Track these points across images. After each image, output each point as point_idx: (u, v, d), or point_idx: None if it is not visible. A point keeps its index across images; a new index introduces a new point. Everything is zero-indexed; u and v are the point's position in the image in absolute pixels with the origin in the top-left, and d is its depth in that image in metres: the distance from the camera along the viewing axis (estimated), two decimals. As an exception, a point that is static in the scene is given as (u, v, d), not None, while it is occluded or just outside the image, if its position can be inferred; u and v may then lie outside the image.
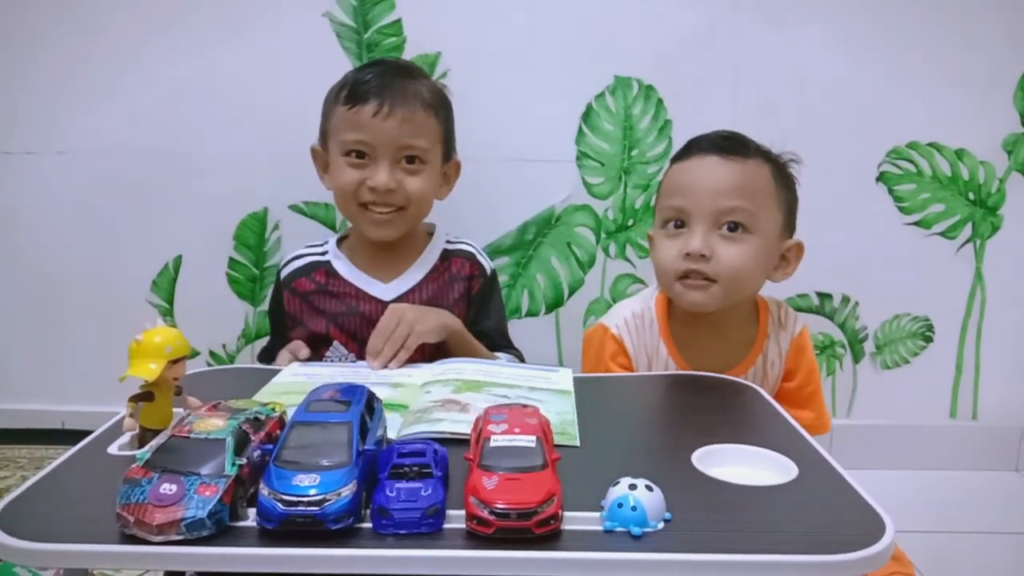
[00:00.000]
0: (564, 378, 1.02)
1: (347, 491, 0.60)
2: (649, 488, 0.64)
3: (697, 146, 1.16)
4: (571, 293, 1.69)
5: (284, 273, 1.29)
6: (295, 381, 0.99)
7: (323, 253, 1.29)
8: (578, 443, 0.80)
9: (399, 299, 1.23)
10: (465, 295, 1.30)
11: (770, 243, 1.13)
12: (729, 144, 1.14)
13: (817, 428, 1.19)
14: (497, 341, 1.29)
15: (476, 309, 1.31)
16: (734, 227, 1.10)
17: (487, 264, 1.34)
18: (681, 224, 1.13)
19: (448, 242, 1.33)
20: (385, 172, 1.18)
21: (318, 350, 1.20)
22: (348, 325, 1.23)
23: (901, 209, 1.66)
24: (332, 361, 1.16)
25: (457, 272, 1.30)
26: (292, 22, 1.59)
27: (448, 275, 1.29)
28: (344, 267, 1.26)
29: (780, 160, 1.17)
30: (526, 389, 0.96)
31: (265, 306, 1.67)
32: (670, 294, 1.17)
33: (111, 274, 1.70)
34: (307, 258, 1.29)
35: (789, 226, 1.17)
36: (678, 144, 1.57)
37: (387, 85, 1.19)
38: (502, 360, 1.20)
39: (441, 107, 1.25)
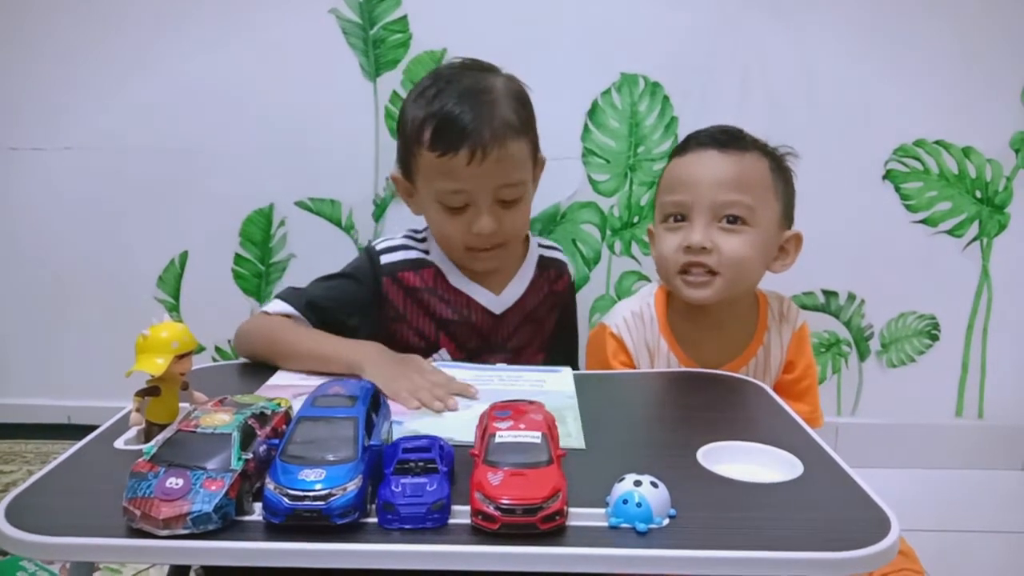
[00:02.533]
0: (559, 381, 1.01)
1: (353, 486, 0.60)
2: (654, 484, 0.64)
3: (696, 140, 1.17)
4: (576, 290, 1.68)
5: (386, 259, 1.21)
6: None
7: (427, 252, 1.22)
8: None
9: (507, 311, 1.22)
10: (556, 309, 1.30)
11: (769, 235, 1.13)
12: (727, 138, 1.14)
13: (810, 422, 1.19)
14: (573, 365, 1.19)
15: (562, 327, 1.32)
16: (733, 220, 1.10)
17: (572, 272, 1.35)
18: (681, 218, 1.13)
19: (540, 246, 1.31)
20: (487, 217, 1.12)
21: (418, 352, 1.11)
22: (458, 333, 1.19)
23: (908, 207, 1.66)
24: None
25: (553, 285, 1.29)
26: (298, 18, 1.59)
27: (547, 287, 1.28)
28: (453, 273, 1.21)
29: (777, 153, 1.17)
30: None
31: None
32: (671, 288, 1.17)
33: (118, 270, 1.70)
34: (413, 251, 1.22)
35: (787, 218, 1.17)
36: (684, 141, 1.58)
37: (476, 122, 1.09)
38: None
39: (527, 117, 1.18)
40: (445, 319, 1.20)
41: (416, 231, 1.26)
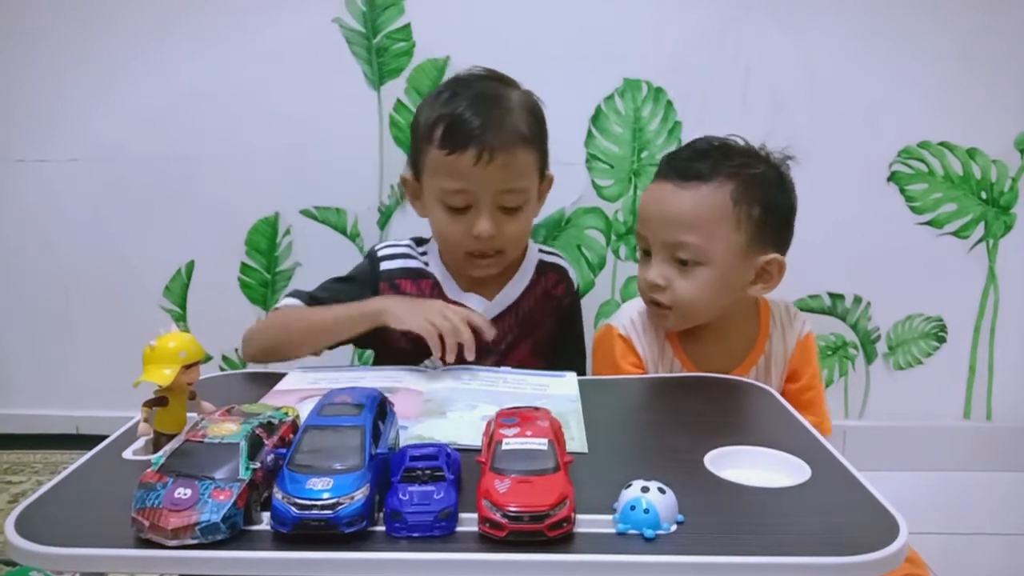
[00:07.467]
0: (563, 385, 1.01)
1: (360, 494, 0.61)
2: (662, 490, 0.64)
3: (663, 168, 1.16)
4: (581, 296, 1.68)
5: (385, 266, 1.25)
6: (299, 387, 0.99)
7: (427, 264, 1.26)
8: None
9: (500, 316, 1.23)
10: (554, 314, 1.29)
11: (728, 268, 1.11)
12: (690, 166, 1.11)
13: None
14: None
15: (565, 337, 1.31)
16: (684, 261, 1.10)
17: (575, 281, 1.34)
18: (647, 251, 1.15)
19: (541, 252, 1.32)
20: (486, 220, 1.14)
21: (408, 355, 1.14)
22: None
23: (913, 209, 1.66)
24: (427, 370, 1.14)
25: (551, 290, 1.29)
26: (302, 27, 1.59)
27: (543, 290, 1.28)
28: (449, 284, 1.24)
29: (755, 171, 1.10)
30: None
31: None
32: None
33: (124, 280, 1.71)
34: (413, 260, 1.26)
35: (761, 241, 1.11)
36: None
37: (486, 126, 1.12)
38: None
39: (538, 131, 1.19)
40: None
41: (419, 240, 1.28)
